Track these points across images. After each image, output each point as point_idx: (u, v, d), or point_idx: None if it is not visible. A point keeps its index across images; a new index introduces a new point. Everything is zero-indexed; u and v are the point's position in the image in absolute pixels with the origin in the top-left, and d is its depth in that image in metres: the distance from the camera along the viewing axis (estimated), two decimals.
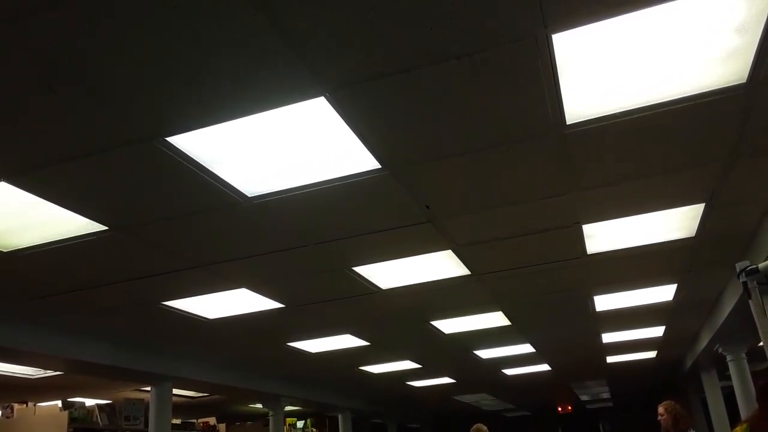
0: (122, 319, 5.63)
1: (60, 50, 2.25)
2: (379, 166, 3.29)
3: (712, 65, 2.71)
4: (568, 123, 3.03)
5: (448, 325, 7.21)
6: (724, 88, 2.85)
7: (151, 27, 2.18)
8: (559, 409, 19.06)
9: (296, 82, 2.55)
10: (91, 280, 4.58)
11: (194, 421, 10.99)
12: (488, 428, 8.59)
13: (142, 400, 8.21)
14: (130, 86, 2.49)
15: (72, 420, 6.75)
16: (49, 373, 7.45)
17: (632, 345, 9.69)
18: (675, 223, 4.52)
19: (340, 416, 12.70)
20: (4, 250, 3.88)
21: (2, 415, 7.51)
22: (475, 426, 8.57)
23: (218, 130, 2.83)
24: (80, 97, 2.52)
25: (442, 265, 5.03)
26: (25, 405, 7.71)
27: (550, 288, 5.99)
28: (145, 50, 2.29)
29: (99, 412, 7.28)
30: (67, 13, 2.07)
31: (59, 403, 7.31)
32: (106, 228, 3.73)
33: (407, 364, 9.59)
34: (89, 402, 7.79)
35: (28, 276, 4.37)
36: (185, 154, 3.01)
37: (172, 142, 2.90)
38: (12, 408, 7.54)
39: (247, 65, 2.42)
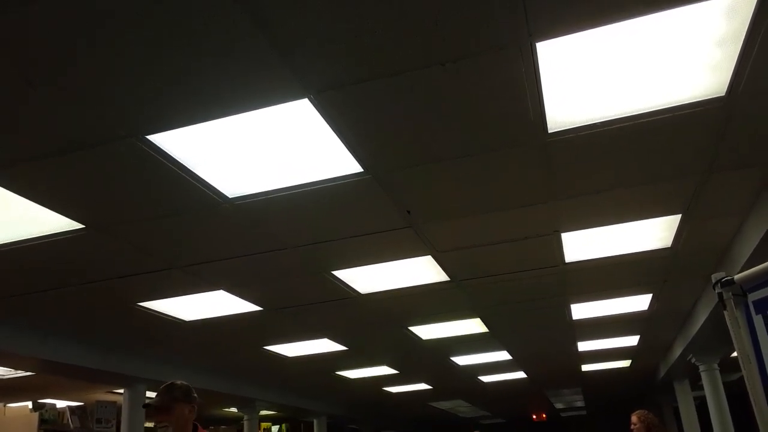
0: (97, 319, 5.54)
1: (39, 45, 2.21)
2: (362, 170, 3.29)
3: (692, 77, 2.74)
4: (549, 131, 3.05)
5: (426, 331, 7.21)
6: (703, 100, 2.89)
7: (133, 23, 2.15)
8: (534, 416, 19.14)
9: (280, 83, 2.54)
10: (65, 280, 4.50)
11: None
12: None
13: (115, 402, 8.10)
14: (110, 83, 2.45)
15: (42, 422, 6.64)
16: (20, 373, 7.31)
17: (607, 354, 9.77)
18: (652, 233, 4.57)
19: (315, 421, 12.63)
20: None
21: None
22: None
23: (200, 129, 2.81)
24: (59, 93, 2.48)
25: (421, 271, 5.03)
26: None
27: (528, 296, 6.02)
28: (126, 47, 2.26)
29: (70, 414, 7.17)
30: (47, 7, 2.04)
31: (29, 404, 7.19)
32: (83, 226, 3.68)
33: (384, 370, 9.57)
34: (60, 403, 7.66)
35: (2, 274, 4.29)
36: (165, 153, 2.98)
37: (152, 141, 2.87)
38: None
39: (230, 65, 2.41)
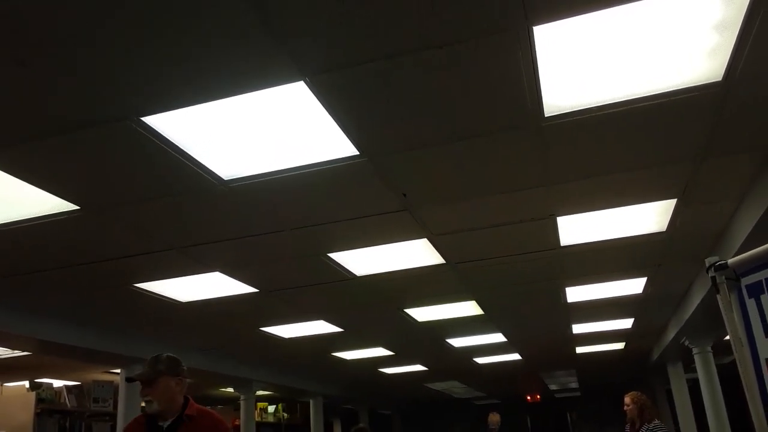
0: (93, 300, 5.55)
1: (31, 23, 2.19)
2: (357, 153, 3.28)
3: (689, 62, 2.74)
4: (546, 115, 3.04)
5: (421, 313, 7.25)
6: (700, 85, 2.89)
7: (127, 3, 2.13)
8: (528, 398, 19.31)
9: (276, 65, 2.52)
10: (61, 261, 4.51)
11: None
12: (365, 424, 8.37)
13: (111, 382, 8.14)
14: (104, 63, 2.44)
15: (39, 401, 6.68)
16: (17, 353, 7.34)
17: (601, 336, 9.84)
18: (647, 217, 4.59)
19: (311, 401, 12.73)
20: None
21: None
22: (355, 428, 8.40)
23: (195, 111, 2.80)
24: (53, 72, 2.46)
25: (417, 254, 5.04)
26: None
27: (524, 278, 6.05)
28: (121, 26, 2.25)
29: (67, 393, 7.21)
30: None
31: (26, 383, 7.22)
32: (78, 208, 3.67)
33: (380, 351, 9.62)
34: (57, 383, 7.70)
35: None
36: (161, 134, 2.96)
37: (147, 122, 2.86)
38: None
39: (226, 47, 2.39)
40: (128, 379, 3.24)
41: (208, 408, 3.37)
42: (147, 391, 3.06)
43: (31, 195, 3.44)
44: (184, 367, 3.21)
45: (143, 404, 3.17)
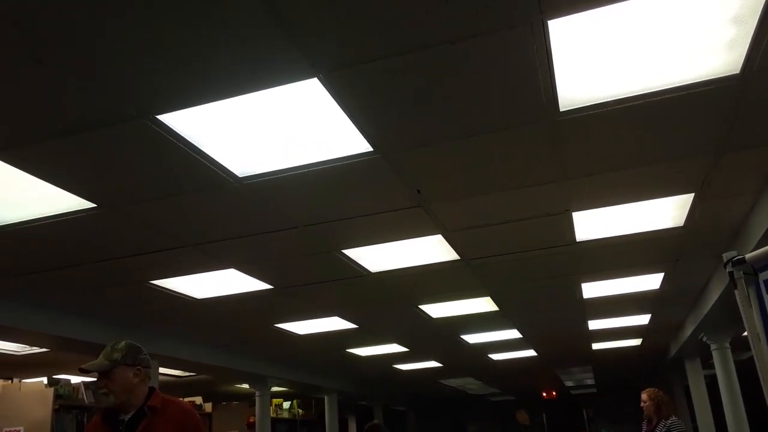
0: (110, 297, 5.60)
1: (49, 22, 2.21)
2: (371, 149, 3.28)
3: (706, 55, 2.70)
4: (561, 110, 3.02)
5: (436, 310, 7.24)
6: (717, 78, 2.85)
7: (143, 2, 2.14)
8: (544, 394, 19.24)
9: (289, 62, 2.52)
10: (79, 258, 4.55)
11: (180, 400, 10.96)
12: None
13: None
14: (120, 62, 2.45)
15: (57, 397, 6.72)
16: (35, 349, 7.42)
17: (618, 332, 9.78)
18: (664, 212, 4.54)
19: (326, 398, 12.77)
20: None
21: None
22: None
23: (209, 109, 2.81)
24: (69, 71, 2.48)
25: (431, 250, 5.03)
26: (10, 381, 7.68)
27: (539, 274, 6.02)
28: (136, 26, 2.26)
29: (84, 389, 7.26)
30: None
31: (44, 379, 7.28)
32: (95, 206, 3.70)
33: (394, 348, 9.63)
34: (75, 379, 7.77)
35: (15, 252, 4.34)
36: (176, 132, 2.98)
37: (162, 120, 2.87)
38: None
39: (240, 45, 2.40)
40: (81, 370, 2.86)
41: (177, 398, 3.10)
42: (103, 382, 2.82)
43: (48, 193, 3.47)
44: (145, 355, 2.94)
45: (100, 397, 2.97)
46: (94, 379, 3.07)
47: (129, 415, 2.81)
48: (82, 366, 2.84)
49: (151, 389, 2.91)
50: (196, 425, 2.94)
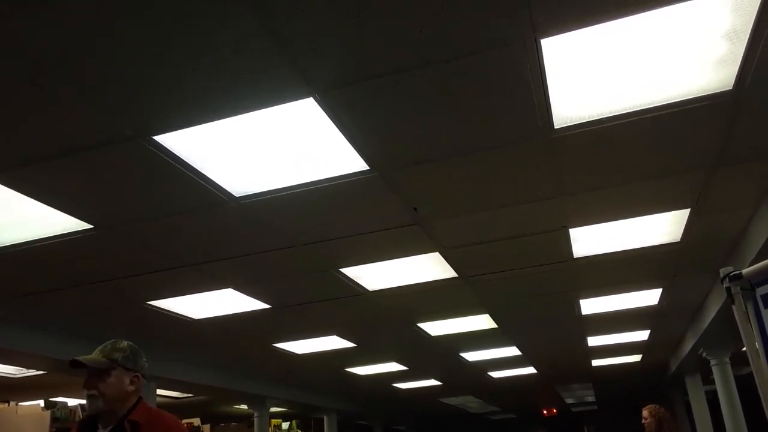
0: (107, 318, 5.58)
1: (44, 44, 2.22)
2: (368, 168, 3.29)
3: (699, 72, 2.72)
4: (555, 127, 3.04)
5: (434, 328, 7.21)
6: (710, 94, 2.87)
7: (139, 23, 2.16)
8: (545, 412, 19.12)
9: (285, 82, 2.54)
10: (75, 279, 4.54)
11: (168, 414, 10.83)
12: None
13: None
14: (116, 83, 2.46)
15: (54, 419, 6.68)
16: (32, 372, 7.37)
17: (617, 348, 9.74)
18: (661, 228, 4.55)
19: (325, 417, 12.67)
20: None
21: None
22: None
23: (206, 129, 2.82)
24: (65, 93, 2.49)
25: (429, 268, 5.03)
26: (6, 404, 7.62)
27: (537, 291, 6.01)
28: (133, 47, 2.27)
29: (81, 412, 7.20)
30: (53, 7, 2.05)
31: (41, 402, 7.23)
32: (92, 227, 3.70)
33: (393, 366, 9.58)
34: (72, 401, 7.71)
35: (11, 274, 4.32)
36: (172, 153, 2.99)
37: (159, 141, 2.88)
38: None
39: (236, 65, 2.41)
40: (73, 363, 2.46)
41: (164, 413, 2.64)
42: (94, 382, 2.44)
43: (44, 214, 3.47)
44: (146, 362, 2.62)
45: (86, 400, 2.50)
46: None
47: (108, 429, 2.44)
48: (77, 357, 2.46)
49: (138, 400, 2.55)
50: None
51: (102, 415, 2.46)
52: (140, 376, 2.56)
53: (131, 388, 2.50)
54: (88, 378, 2.46)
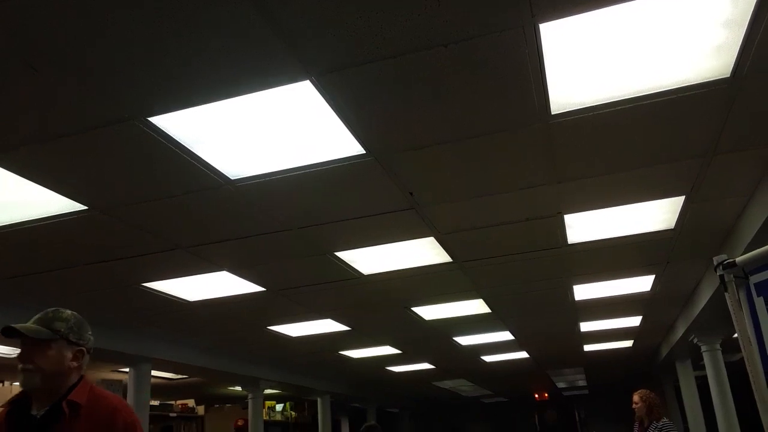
0: (101, 299, 5.58)
1: (41, 28, 2.20)
2: (364, 152, 3.28)
3: (697, 59, 2.72)
4: (552, 113, 3.03)
5: (428, 312, 7.25)
6: (708, 81, 2.87)
7: (135, 6, 2.14)
8: (536, 395, 19.29)
9: (282, 65, 2.52)
10: (69, 261, 4.53)
11: (173, 402, 10.90)
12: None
13: (120, 381, 8.17)
14: (112, 65, 2.44)
15: None
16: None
17: (609, 334, 9.82)
18: (655, 215, 4.57)
19: (319, 400, 12.75)
20: None
21: None
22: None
23: (202, 111, 2.80)
24: (61, 75, 2.47)
25: (424, 252, 5.04)
26: (1, 384, 7.64)
27: (531, 276, 6.03)
28: (128, 29, 2.25)
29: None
30: None
31: None
32: (86, 208, 3.68)
33: (387, 350, 9.63)
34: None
35: (5, 256, 4.31)
36: (168, 134, 2.97)
37: (154, 123, 2.87)
38: None
39: (232, 47, 2.39)
40: (5, 331, 2.16)
41: (108, 393, 2.32)
42: (31, 355, 2.14)
43: (39, 195, 3.46)
44: (91, 335, 2.31)
45: (19, 375, 2.18)
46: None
47: (43, 411, 2.13)
48: (12, 325, 2.16)
49: (80, 378, 2.25)
50: (126, 428, 2.19)
51: (37, 394, 2.16)
52: (85, 350, 2.26)
53: (74, 363, 2.20)
54: (23, 350, 2.17)
